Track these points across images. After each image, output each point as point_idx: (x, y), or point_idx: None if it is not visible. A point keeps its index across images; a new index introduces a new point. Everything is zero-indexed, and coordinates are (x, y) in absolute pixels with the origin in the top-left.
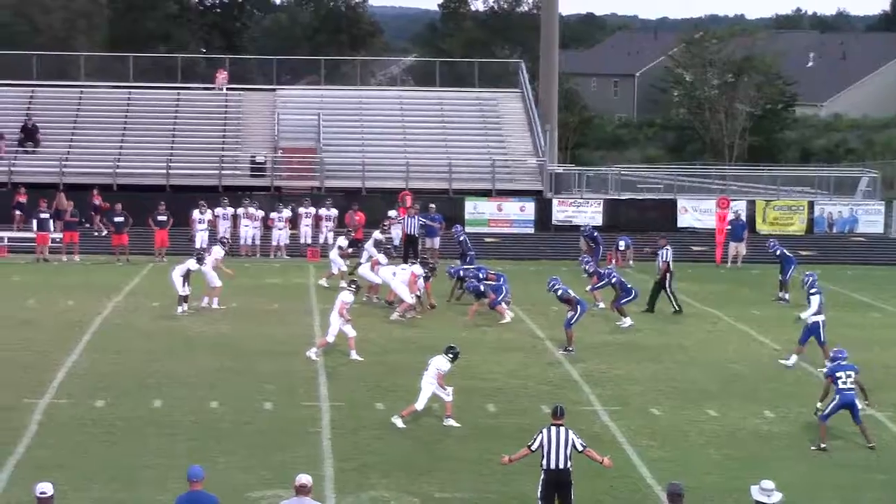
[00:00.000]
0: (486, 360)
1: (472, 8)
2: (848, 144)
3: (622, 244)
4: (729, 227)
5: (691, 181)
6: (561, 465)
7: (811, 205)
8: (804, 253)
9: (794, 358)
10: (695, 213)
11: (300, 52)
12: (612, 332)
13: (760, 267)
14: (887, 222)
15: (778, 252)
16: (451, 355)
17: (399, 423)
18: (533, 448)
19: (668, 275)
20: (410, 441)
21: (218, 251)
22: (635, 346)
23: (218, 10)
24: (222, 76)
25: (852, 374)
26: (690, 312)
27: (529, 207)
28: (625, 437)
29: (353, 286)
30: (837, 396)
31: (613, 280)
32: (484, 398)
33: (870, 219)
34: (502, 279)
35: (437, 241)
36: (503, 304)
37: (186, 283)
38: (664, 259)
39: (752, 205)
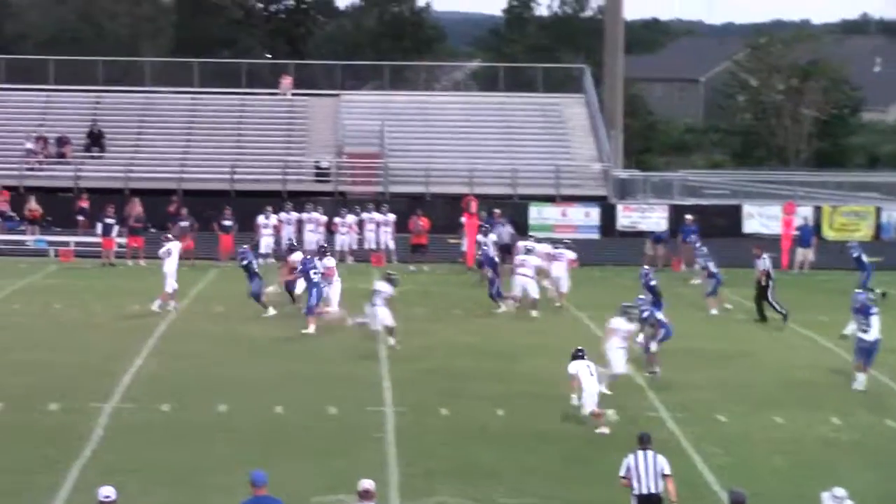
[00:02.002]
0: (551, 365)
1: (536, 13)
2: None
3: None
4: (797, 232)
5: (757, 186)
6: (652, 489)
7: (878, 210)
8: (871, 259)
9: (861, 377)
10: (761, 218)
11: (364, 57)
12: (677, 338)
13: (827, 273)
14: None
15: (855, 255)
16: (627, 314)
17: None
18: (622, 474)
19: (769, 282)
20: (475, 447)
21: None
22: (701, 352)
23: (283, 16)
24: (287, 81)
25: None
26: (757, 318)
27: (594, 213)
28: (690, 443)
29: (630, 313)
30: None
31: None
32: (548, 403)
33: None
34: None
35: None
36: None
37: None
38: (762, 268)
39: (818, 210)
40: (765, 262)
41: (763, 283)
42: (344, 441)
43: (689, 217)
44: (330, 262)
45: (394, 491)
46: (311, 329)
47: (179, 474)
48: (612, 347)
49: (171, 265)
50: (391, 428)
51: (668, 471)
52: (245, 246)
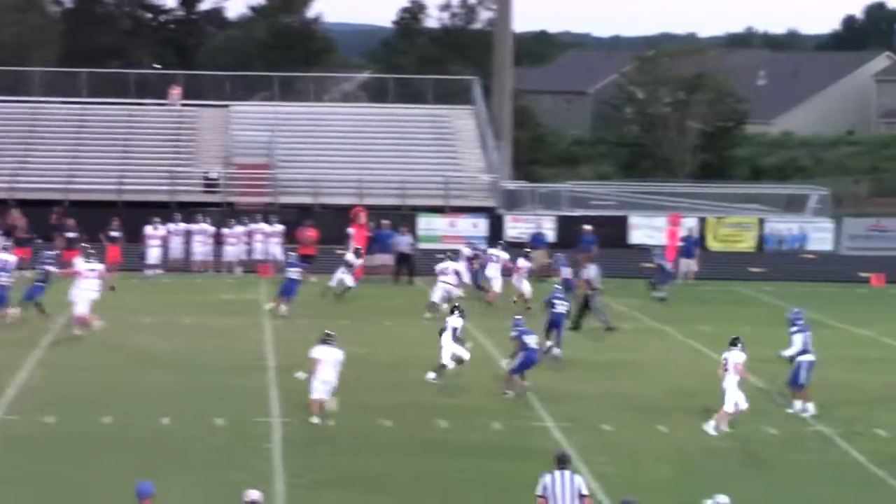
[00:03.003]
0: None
1: (426, 25)
2: (798, 162)
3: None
4: (681, 243)
5: (643, 198)
6: None
7: (761, 222)
8: (754, 270)
9: (797, 404)
10: (646, 229)
11: (254, 67)
12: (564, 348)
13: (711, 283)
14: (837, 239)
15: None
16: (737, 345)
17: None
18: (539, 493)
19: (589, 292)
20: (362, 457)
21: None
22: (586, 362)
23: (172, 26)
24: (176, 92)
25: None
26: (641, 328)
27: (482, 224)
28: (576, 452)
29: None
30: None
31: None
32: (436, 414)
33: (819, 236)
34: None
35: (389, 258)
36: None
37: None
38: (585, 277)
39: (702, 222)
40: (588, 271)
41: (585, 293)
42: (230, 452)
43: (587, 227)
44: (82, 263)
45: (280, 501)
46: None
47: (63, 487)
48: (731, 382)
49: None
50: (278, 438)
51: (585, 491)
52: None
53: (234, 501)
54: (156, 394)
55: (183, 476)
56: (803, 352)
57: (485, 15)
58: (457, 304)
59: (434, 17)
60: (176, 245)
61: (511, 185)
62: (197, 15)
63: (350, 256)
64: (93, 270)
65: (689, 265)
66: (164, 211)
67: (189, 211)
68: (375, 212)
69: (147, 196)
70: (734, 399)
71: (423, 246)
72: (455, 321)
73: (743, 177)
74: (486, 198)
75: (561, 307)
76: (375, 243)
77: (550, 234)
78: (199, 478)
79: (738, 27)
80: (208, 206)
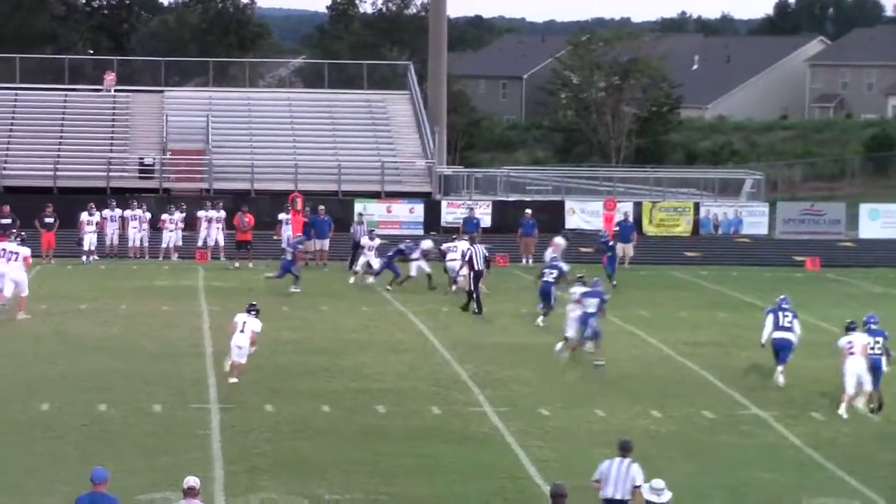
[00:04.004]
0: (376, 360)
1: (361, 10)
2: (732, 146)
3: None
4: (617, 228)
5: (579, 183)
6: (618, 496)
7: (697, 206)
8: (690, 254)
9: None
10: (582, 214)
11: (188, 53)
12: (499, 333)
13: (647, 268)
14: (771, 223)
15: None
16: (855, 328)
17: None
18: (595, 477)
19: (471, 273)
20: (300, 443)
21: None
22: (522, 346)
23: (105, 12)
24: (110, 77)
25: (881, 340)
26: None
27: (419, 209)
28: (514, 437)
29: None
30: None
31: None
32: (374, 399)
33: (754, 220)
34: None
35: (326, 243)
36: None
37: None
38: (466, 259)
39: (638, 206)
40: (469, 252)
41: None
42: (168, 438)
43: (528, 211)
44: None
45: (219, 488)
46: None
47: (1, 475)
48: (861, 364)
49: None
50: (216, 425)
51: (639, 481)
52: None
53: (172, 488)
54: (93, 380)
55: (120, 462)
56: (777, 329)
57: (419, 0)
58: (580, 275)
59: (368, 3)
60: (111, 231)
61: (447, 170)
62: (130, 0)
63: (425, 243)
64: (4, 251)
65: (626, 250)
66: (100, 197)
67: (124, 197)
68: (312, 197)
69: (82, 182)
70: (855, 380)
71: None
72: (581, 289)
73: (678, 161)
74: (422, 183)
75: (550, 276)
76: (312, 229)
77: (487, 220)
78: (137, 464)
79: (671, 12)
80: (144, 193)
